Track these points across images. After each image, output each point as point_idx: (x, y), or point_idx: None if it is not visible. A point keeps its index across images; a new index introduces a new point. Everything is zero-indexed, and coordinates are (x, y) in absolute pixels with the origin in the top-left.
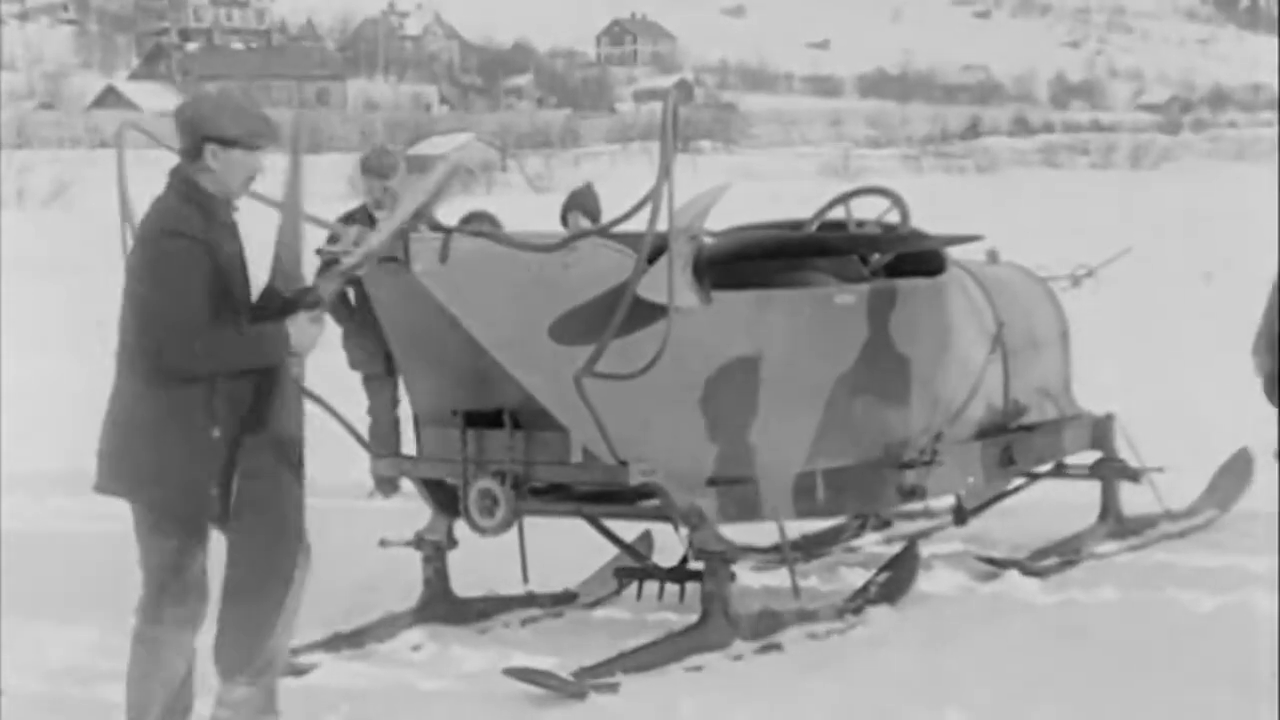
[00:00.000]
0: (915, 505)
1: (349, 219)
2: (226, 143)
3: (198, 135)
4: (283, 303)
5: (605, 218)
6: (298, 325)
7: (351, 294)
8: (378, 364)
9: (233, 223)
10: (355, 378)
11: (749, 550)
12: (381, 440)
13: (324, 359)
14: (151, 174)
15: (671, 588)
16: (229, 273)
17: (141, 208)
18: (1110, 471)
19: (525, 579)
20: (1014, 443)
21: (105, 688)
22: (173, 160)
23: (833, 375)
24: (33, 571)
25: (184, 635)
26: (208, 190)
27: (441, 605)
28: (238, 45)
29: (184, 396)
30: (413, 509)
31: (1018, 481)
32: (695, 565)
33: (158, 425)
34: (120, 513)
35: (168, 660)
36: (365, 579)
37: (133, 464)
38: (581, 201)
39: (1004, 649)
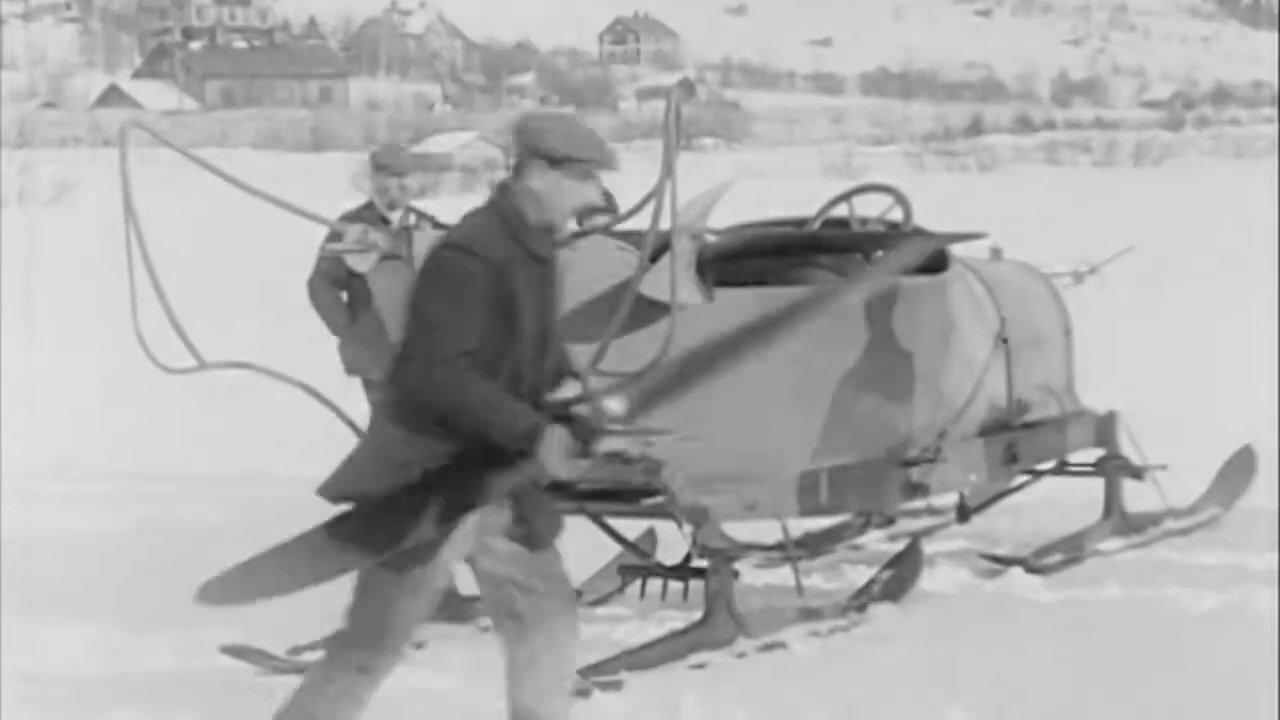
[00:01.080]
0: (919, 503)
1: (356, 218)
2: (554, 162)
3: (525, 148)
4: (552, 406)
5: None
6: (553, 438)
7: (345, 296)
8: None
9: (548, 259)
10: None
11: (752, 548)
12: None
13: (327, 356)
14: (155, 173)
15: (675, 586)
16: (516, 314)
17: (144, 207)
18: (1113, 469)
19: None
20: (1017, 440)
21: (106, 688)
22: (176, 159)
23: (837, 373)
24: (32, 571)
25: None
26: (525, 213)
27: (445, 603)
28: (241, 44)
29: (416, 424)
30: None
31: (1021, 479)
32: (699, 563)
33: (376, 443)
34: (119, 514)
35: None
36: None
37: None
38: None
39: (1007, 646)
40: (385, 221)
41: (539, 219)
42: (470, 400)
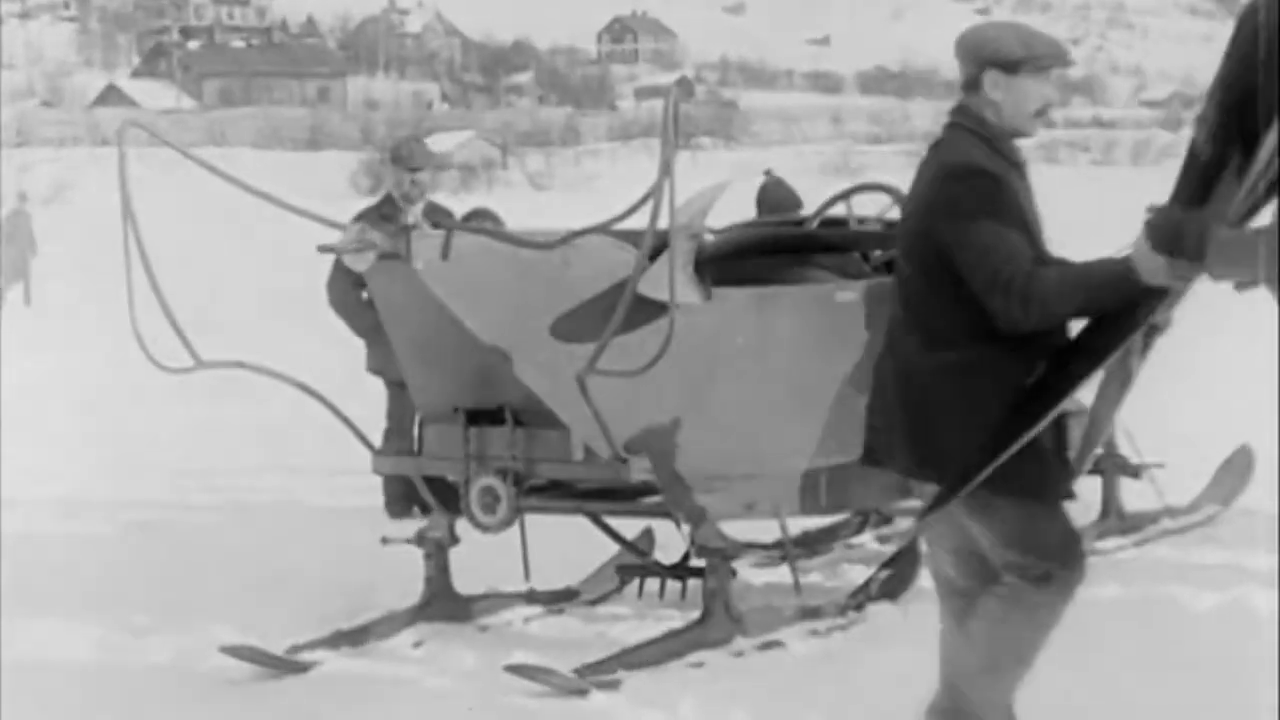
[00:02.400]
0: (917, 501)
1: (376, 214)
2: (1010, 67)
3: (978, 60)
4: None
5: (605, 216)
6: (1151, 260)
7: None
8: None
9: (1023, 163)
10: (356, 375)
11: (751, 547)
12: (397, 444)
13: (324, 355)
14: (153, 172)
15: (673, 585)
16: (1029, 226)
17: (142, 206)
18: (1111, 467)
19: (527, 576)
20: None
21: (105, 688)
22: (174, 158)
23: (839, 372)
24: (30, 572)
25: None
26: (994, 125)
27: (443, 603)
28: (239, 43)
29: (994, 353)
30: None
31: None
32: (697, 562)
33: (967, 389)
34: (116, 515)
35: None
36: (367, 576)
37: (935, 436)
38: (775, 198)
39: None
40: (403, 215)
41: (1003, 128)
42: (1061, 294)
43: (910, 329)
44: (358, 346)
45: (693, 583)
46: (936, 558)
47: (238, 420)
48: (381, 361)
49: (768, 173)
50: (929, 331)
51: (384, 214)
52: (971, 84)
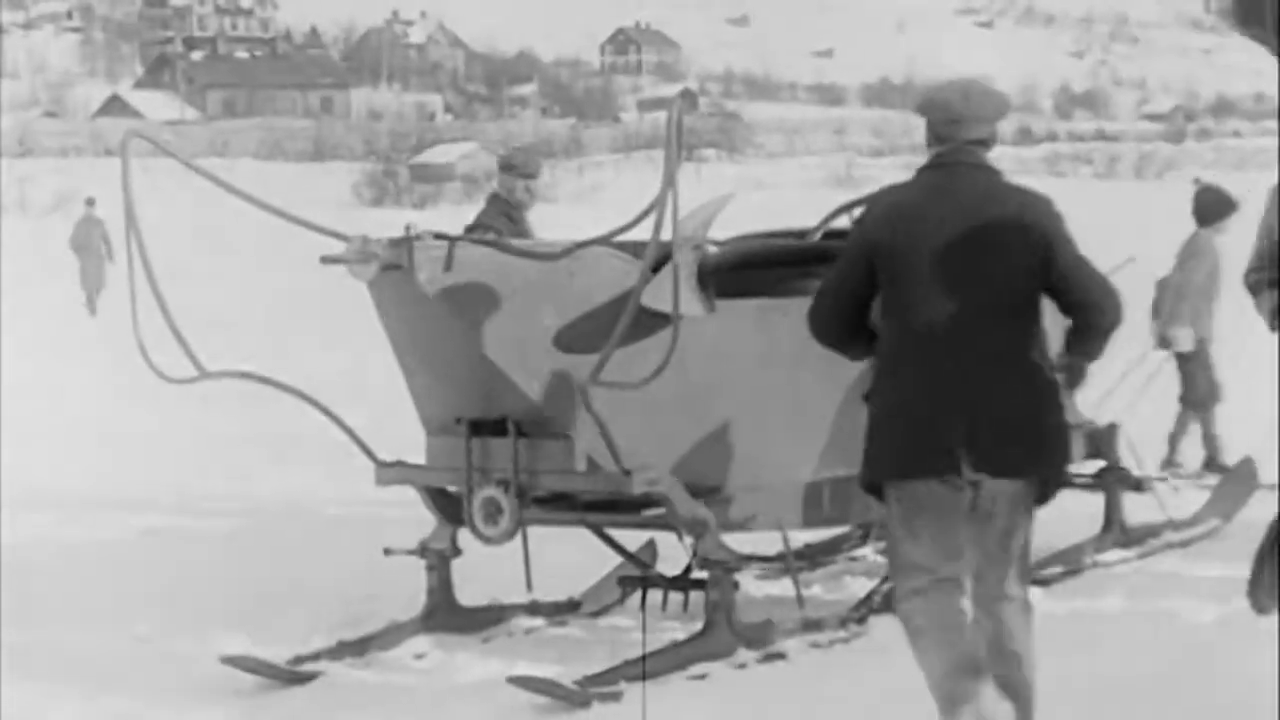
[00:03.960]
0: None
1: (499, 213)
2: None
3: (1003, 114)
4: None
5: (609, 227)
6: None
7: None
8: None
9: None
10: (360, 385)
11: (753, 559)
12: None
13: (329, 365)
14: (156, 183)
15: (675, 597)
16: None
17: (146, 216)
18: (1114, 481)
19: (529, 588)
20: None
21: (108, 697)
22: (178, 169)
23: (842, 384)
24: (38, 578)
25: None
26: None
27: (445, 614)
28: (242, 54)
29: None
30: (416, 517)
31: None
32: (699, 574)
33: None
34: (120, 523)
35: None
36: (370, 587)
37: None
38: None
39: None
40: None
41: None
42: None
43: (1024, 337)
44: (361, 356)
45: (695, 595)
46: (914, 543)
47: (242, 429)
48: None
49: (1196, 181)
50: (1035, 339)
51: (505, 213)
52: (994, 138)
